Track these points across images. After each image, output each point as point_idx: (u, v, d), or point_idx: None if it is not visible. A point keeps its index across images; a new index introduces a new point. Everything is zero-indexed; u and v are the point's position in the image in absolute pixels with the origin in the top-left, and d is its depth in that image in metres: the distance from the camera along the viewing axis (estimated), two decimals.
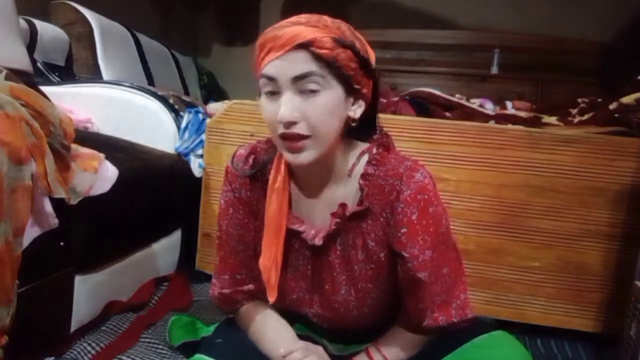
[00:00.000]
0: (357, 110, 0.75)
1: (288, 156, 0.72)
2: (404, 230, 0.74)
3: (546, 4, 3.18)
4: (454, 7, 3.30)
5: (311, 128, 0.69)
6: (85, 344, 1.07)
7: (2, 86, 0.92)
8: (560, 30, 3.10)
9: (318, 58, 0.68)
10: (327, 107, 0.69)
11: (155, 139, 1.64)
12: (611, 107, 1.36)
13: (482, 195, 1.38)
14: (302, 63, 0.68)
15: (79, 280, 1.09)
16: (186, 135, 1.67)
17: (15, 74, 1.03)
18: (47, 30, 1.88)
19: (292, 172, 0.80)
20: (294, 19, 0.70)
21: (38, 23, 1.84)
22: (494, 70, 3.08)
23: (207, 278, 1.57)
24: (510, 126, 1.41)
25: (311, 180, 0.79)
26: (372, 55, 0.74)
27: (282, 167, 0.77)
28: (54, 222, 0.93)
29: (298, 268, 0.82)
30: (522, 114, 1.52)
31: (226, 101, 1.73)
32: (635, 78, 1.32)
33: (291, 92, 0.69)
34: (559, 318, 1.38)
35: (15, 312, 0.81)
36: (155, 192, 1.40)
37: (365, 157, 0.79)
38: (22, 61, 1.31)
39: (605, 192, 1.32)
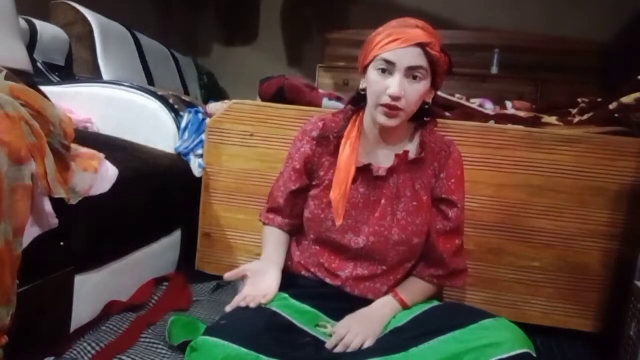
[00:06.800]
0: (430, 97, 0.99)
1: (383, 119, 0.94)
2: (453, 180, 1.02)
3: (546, 4, 3.18)
4: (454, 7, 3.30)
5: (406, 104, 0.92)
6: (85, 344, 1.07)
7: (2, 86, 0.92)
8: (560, 30, 3.10)
9: (428, 56, 0.90)
10: (421, 92, 0.93)
11: (155, 139, 1.64)
12: (611, 107, 1.36)
13: (482, 195, 1.38)
14: (417, 57, 0.90)
15: (79, 280, 1.09)
16: (186, 135, 1.67)
17: (15, 74, 1.03)
18: (47, 30, 1.88)
19: (364, 129, 1.04)
20: (412, 21, 0.93)
21: (38, 23, 1.84)
22: (494, 70, 3.08)
23: (207, 278, 1.58)
24: (510, 126, 1.41)
25: (385, 136, 1.02)
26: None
27: (357, 125, 1.02)
28: (54, 222, 0.93)
29: (358, 200, 1.02)
30: (522, 114, 1.52)
31: (226, 101, 1.73)
32: (635, 78, 1.32)
33: (401, 76, 0.90)
34: (558, 318, 1.38)
35: (15, 312, 0.81)
36: (155, 192, 1.40)
37: (420, 131, 1.04)
38: (22, 61, 1.31)
39: (605, 192, 1.33)
